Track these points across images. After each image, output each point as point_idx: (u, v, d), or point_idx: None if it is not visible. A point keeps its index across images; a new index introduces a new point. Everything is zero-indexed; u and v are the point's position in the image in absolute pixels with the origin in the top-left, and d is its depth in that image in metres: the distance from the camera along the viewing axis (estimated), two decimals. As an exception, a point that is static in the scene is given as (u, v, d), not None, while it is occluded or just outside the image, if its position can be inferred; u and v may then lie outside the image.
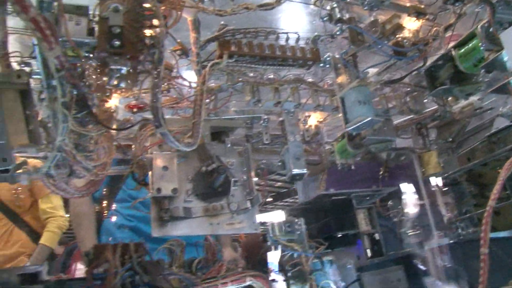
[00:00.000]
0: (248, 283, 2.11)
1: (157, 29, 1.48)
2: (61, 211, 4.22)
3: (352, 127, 2.03)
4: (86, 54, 1.53)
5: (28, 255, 4.04)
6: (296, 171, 2.31)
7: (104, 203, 3.46)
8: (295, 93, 2.23)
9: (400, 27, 2.06)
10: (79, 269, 4.18)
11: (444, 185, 3.05)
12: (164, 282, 1.48)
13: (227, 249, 3.23)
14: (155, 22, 1.50)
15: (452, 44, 2.04)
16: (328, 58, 2.15)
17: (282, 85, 2.18)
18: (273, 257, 2.66)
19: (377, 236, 2.82)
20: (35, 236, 4.17)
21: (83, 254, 1.61)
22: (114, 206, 3.40)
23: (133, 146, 2.19)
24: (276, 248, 2.53)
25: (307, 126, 2.73)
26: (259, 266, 2.44)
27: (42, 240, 4.05)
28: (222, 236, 3.15)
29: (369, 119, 1.97)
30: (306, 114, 2.69)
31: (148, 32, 1.49)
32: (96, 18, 1.54)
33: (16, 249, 4.09)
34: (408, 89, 2.47)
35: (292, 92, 2.22)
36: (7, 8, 1.52)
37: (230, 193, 2.14)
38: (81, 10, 1.53)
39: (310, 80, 2.31)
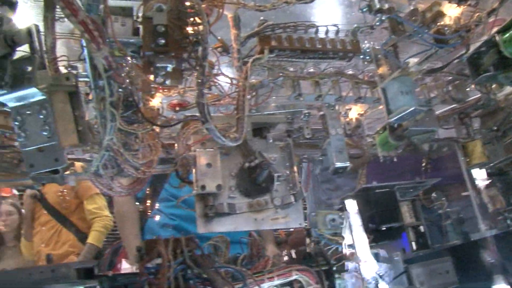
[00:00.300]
0: (294, 277, 2.11)
1: (200, 26, 1.50)
2: (106, 211, 4.34)
3: (395, 118, 2.01)
4: (132, 54, 1.56)
5: (77, 254, 4.18)
6: (338, 164, 2.31)
7: (148, 202, 3.52)
8: (336, 86, 2.21)
9: (440, 15, 2.03)
10: (124, 268, 4.29)
11: (489, 175, 2.98)
12: (215, 275, 1.50)
13: (270, 245, 3.24)
14: (198, 19, 1.52)
15: (495, 29, 1.99)
16: (368, 50, 2.13)
17: (322, 78, 2.17)
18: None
19: (422, 228, 2.77)
20: (82, 236, 4.30)
21: (136, 250, 1.64)
22: (157, 205, 3.46)
23: (176, 145, 2.22)
24: (320, 242, 2.53)
25: (348, 119, 2.71)
26: (304, 260, 2.43)
27: (89, 240, 4.18)
28: (265, 232, 3.16)
29: (412, 108, 1.95)
30: (347, 107, 2.67)
31: (191, 29, 1.52)
32: (140, 19, 1.58)
33: (66, 249, 4.24)
34: (450, 77, 2.42)
35: (332, 85, 2.20)
36: (55, 14, 1.56)
37: (273, 188, 2.15)
38: (126, 11, 1.56)
39: (350, 72, 2.29)
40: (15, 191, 4.92)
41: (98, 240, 4.23)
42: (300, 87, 2.13)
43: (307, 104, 2.36)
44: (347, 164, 2.33)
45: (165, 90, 1.89)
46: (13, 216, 4.57)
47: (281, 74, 2.04)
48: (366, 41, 2.16)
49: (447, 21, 2.07)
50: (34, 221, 4.45)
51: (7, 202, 4.62)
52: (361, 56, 2.13)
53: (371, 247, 2.52)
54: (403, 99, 1.97)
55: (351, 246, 2.57)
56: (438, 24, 2.05)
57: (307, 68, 2.18)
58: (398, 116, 1.99)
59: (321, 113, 2.42)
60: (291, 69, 2.13)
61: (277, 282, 2.06)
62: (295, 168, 2.25)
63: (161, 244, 1.49)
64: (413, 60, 2.23)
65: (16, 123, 1.61)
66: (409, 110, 1.95)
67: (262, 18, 1.90)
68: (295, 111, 2.35)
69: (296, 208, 2.21)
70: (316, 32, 1.99)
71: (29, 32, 1.50)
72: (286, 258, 2.84)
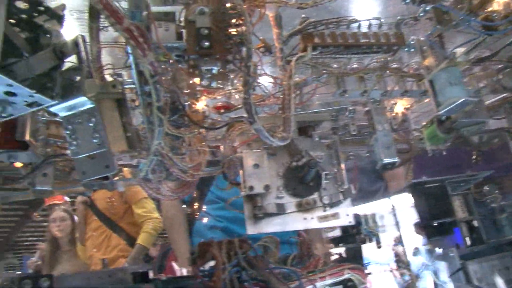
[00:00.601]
0: (346, 276, 2.09)
1: (243, 27, 1.49)
2: (155, 213, 4.42)
3: (444, 110, 1.95)
4: (177, 58, 1.57)
5: (126, 258, 4.26)
6: (387, 160, 2.26)
7: (195, 205, 3.55)
8: (381, 81, 2.17)
9: (488, 0, 1.96)
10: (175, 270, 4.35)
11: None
12: (271, 276, 1.49)
13: (319, 244, 3.22)
14: (240, 20, 1.52)
15: (548, 12, 1.91)
16: (412, 42, 2.08)
17: (367, 73, 2.13)
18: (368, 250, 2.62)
19: (475, 223, 2.69)
20: (131, 240, 4.39)
21: (189, 254, 1.65)
22: (204, 207, 3.49)
23: (221, 147, 2.23)
24: (371, 240, 2.49)
25: (393, 114, 2.66)
26: (355, 259, 2.40)
27: (139, 240, 4.27)
28: (313, 231, 3.13)
29: (462, 100, 1.89)
30: (392, 101, 2.62)
31: (234, 30, 1.51)
32: (183, 23, 1.59)
33: (116, 253, 4.34)
34: (501, 65, 2.34)
35: (377, 80, 2.16)
36: (99, 24, 1.59)
37: (321, 186, 2.12)
38: (169, 16, 1.57)
39: (395, 66, 2.24)
40: (66, 198, 5.11)
41: (148, 242, 4.31)
42: (344, 84, 2.09)
43: (352, 101, 2.33)
44: (396, 159, 2.28)
45: (209, 93, 1.90)
46: (66, 222, 4.76)
47: (324, 71, 2.02)
48: (411, 34, 2.11)
49: (495, 6, 2.00)
50: (86, 227, 4.59)
51: (60, 209, 4.82)
52: (406, 49, 2.08)
53: (424, 244, 2.46)
54: (452, 91, 1.92)
55: (400, 242, 2.53)
56: (486, 10, 1.98)
57: (350, 64, 2.14)
58: (447, 108, 1.93)
59: (366, 109, 2.37)
60: (335, 65, 2.11)
61: (329, 281, 2.04)
62: (343, 166, 2.21)
63: (214, 246, 1.49)
64: (460, 50, 2.17)
65: (67, 132, 1.65)
66: (459, 102, 1.89)
67: (303, 15, 1.89)
68: (340, 108, 2.32)
69: (345, 206, 2.18)
70: (359, 26, 1.96)
71: (76, 43, 1.53)
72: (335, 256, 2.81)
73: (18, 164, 2.09)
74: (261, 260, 1.56)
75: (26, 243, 14.65)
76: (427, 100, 2.44)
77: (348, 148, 2.57)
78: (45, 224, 6.84)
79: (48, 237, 4.92)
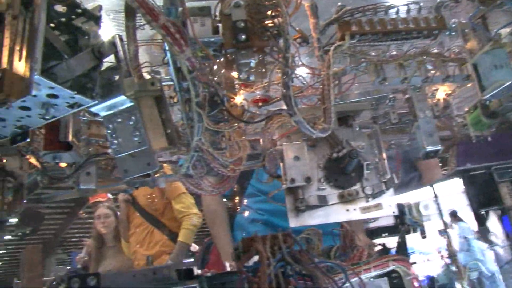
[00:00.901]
0: (391, 267, 2.05)
1: (279, 18, 1.47)
2: (194, 208, 4.45)
3: (490, 94, 1.88)
4: (214, 52, 1.57)
5: (169, 253, 4.32)
6: (430, 148, 2.21)
7: (236, 199, 3.56)
8: (421, 67, 2.11)
9: (534, -23, 1.88)
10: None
11: None
12: (315, 271, 1.48)
13: (361, 235, 3.17)
14: (277, 11, 1.50)
15: None
16: (454, 25, 2.01)
17: (407, 60, 2.08)
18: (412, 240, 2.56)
19: (525, 210, 2.60)
20: (173, 235, 4.45)
21: (233, 249, 1.65)
22: (245, 201, 3.49)
23: (261, 140, 2.22)
24: (415, 230, 2.44)
25: (435, 100, 2.59)
26: (399, 249, 2.36)
27: (180, 238, 4.31)
28: (355, 222, 3.09)
29: (509, 83, 1.81)
30: (433, 88, 2.55)
31: (270, 22, 1.49)
32: (219, 17, 1.58)
33: (158, 248, 4.41)
34: (549, 45, 2.24)
35: (418, 66, 2.10)
36: (135, 22, 1.60)
37: (363, 177, 2.09)
38: (204, 11, 1.57)
39: (435, 51, 2.18)
40: (110, 195, 5.24)
41: (188, 238, 4.36)
42: (384, 71, 2.04)
43: (392, 88, 2.27)
44: (439, 147, 2.22)
45: (247, 86, 1.88)
46: (110, 219, 4.88)
47: (363, 59, 1.97)
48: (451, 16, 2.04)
49: (542, -17, 1.91)
50: (129, 224, 4.68)
51: (104, 206, 4.95)
52: (447, 33, 2.02)
53: (473, 233, 2.39)
54: (498, 74, 1.84)
55: (445, 231, 2.47)
56: (532, -13, 1.90)
57: (389, 51, 2.09)
58: (493, 93, 1.86)
59: (407, 96, 2.32)
60: (373, 53, 2.06)
61: (374, 273, 2.00)
62: (384, 155, 2.17)
63: (258, 241, 1.49)
64: (505, 31, 2.08)
65: (108, 131, 1.67)
66: (505, 85, 1.82)
67: (339, 4, 1.85)
68: (380, 97, 2.27)
69: (388, 196, 2.14)
70: (397, 12, 1.91)
71: (113, 43, 1.55)
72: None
73: (63, 164, 2.14)
74: (305, 254, 1.54)
75: (74, 239, 15.13)
76: (469, 84, 2.36)
77: (389, 137, 2.52)
78: (90, 221, 7.02)
79: (94, 233, 5.08)
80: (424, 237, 2.87)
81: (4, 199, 2.14)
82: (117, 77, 1.56)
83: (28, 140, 1.49)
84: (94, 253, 4.99)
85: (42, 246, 5.37)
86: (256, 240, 1.50)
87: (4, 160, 2.16)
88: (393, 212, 2.17)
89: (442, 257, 2.69)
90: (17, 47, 1.15)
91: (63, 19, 1.40)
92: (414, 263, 2.44)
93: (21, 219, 2.59)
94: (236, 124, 1.69)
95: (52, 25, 1.36)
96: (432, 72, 2.13)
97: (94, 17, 1.49)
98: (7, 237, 10.13)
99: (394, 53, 2.12)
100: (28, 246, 4.78)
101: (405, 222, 2.44)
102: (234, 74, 1.60)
